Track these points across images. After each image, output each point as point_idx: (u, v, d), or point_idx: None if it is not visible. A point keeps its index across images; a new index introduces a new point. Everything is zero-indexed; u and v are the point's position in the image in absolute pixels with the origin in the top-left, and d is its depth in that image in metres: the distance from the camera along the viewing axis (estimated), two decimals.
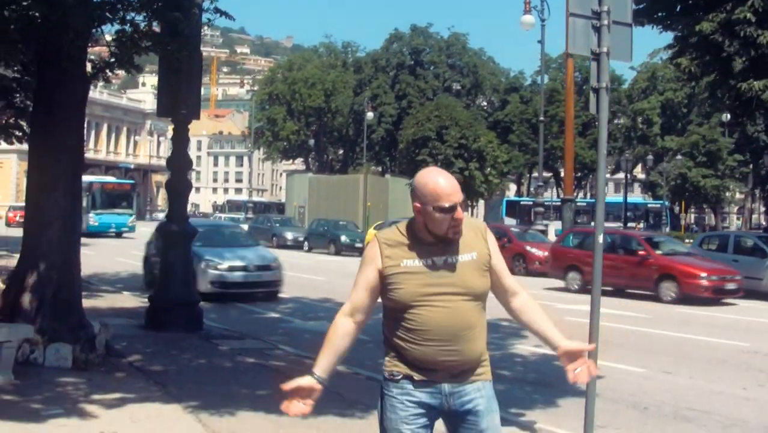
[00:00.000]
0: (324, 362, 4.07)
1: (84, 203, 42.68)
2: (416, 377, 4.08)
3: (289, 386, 3.97)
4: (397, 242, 4.11)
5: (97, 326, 11.60)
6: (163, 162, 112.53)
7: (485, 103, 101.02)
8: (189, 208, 70.27)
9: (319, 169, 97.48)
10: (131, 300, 18.83)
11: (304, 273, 27.03)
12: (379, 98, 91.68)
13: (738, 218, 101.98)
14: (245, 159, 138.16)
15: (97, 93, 79.95)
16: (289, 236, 49.32)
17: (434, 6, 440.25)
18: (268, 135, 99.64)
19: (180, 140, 14.70)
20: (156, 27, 12.46)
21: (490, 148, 61.60)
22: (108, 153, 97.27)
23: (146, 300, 16.29)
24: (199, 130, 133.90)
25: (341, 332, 4.12)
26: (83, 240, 13.38)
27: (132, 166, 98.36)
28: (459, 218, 4.00)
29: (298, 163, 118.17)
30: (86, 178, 41.70)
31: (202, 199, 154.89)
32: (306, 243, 46.59)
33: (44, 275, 11.25)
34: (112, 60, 11.62)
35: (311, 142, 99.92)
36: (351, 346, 4.17)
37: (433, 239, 4.06)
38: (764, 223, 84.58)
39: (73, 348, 10.75)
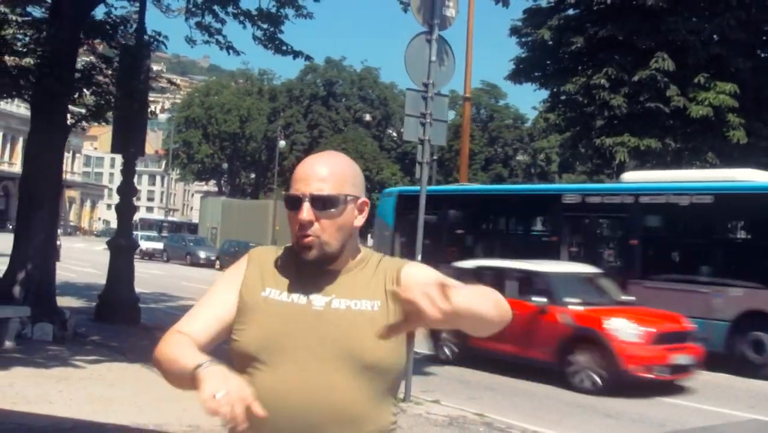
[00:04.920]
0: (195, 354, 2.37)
1: None
2: None
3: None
4: (274, 260, 2.61)
5: (68, 313, 15.54)
6: (77, 177, 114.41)
7: (395, 134, 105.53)
8: (101, 225, 72.62)
9: (231, 191, 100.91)
10: (74, 301, 22.45)
11: None
12: (291, 127, 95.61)
13: None
14: (158, 178, 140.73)
15: (14, 107, 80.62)
16: (202, 254, 52.86)
17: (349, 39, 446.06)
18: (183, 157, 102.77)
19: (128, 172, 18.57)
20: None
21: (394, 181, 66.13)
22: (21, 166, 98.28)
23: (86, 301, 20.25)
24: None
25: (186, 342, 2.46)
26: None
27: None
28: (300, 222, 2.45)
29: (211, 185, 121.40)
30: None
31: (114, 217, 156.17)
32: (218, 262, 49.97)
33: (30, 273, 15.12)
34: (88, 115, 15.65)
35: (225, 165, 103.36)
36: None
37: (309, 263, 2.50)
38: None
39: (52, 328, 14.60)
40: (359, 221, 2.56)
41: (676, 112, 28.67)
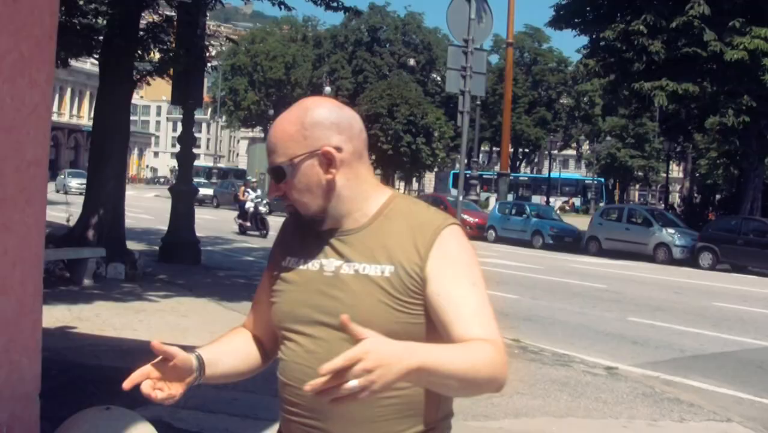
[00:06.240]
0: (210, 346, 2.48)
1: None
2: None
3: (158, 347, 2.24)
4: (297, 223, 2.42)
5: (137, 254, 16.87)
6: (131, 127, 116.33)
7: (439, 79, 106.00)
8: (148, 173, 72.55)
9: None
10: (136, 245, 23.84)
11: (271, 230, 32.34)
12: (336, 73, 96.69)
13: (678, 196, 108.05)
14: (203, 125, 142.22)
15: (80, 63, 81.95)
16: None
17: None
18: (230, 104, 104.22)
19: (188, 123, 19.77)
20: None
21: (438, 125, 67.03)
22: (89, 119, 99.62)
23: (146, 244, 21.72)
24: (159, 95, 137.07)
25: (237, 330, 2.64)
26: None
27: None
28: (271, 197, 1.98)
29: (256, 131, 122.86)
30: None
31: (161, 164, 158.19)
32: (268, 206, 51.27)
33: (102, 217, 16.46)
34: (153, 70, 16.92)
35: (271, 112, 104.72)
36: (252, 354, 2.55)
37: (334, 223, 2.35)
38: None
39: (124, 267, 15.94)
40: (330, 173, 2.28)
41: (713, 56, 29.43)
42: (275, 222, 20.85)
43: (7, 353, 4.83)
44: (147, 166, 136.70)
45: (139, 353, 8.09)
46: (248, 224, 32.19)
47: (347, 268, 2.27)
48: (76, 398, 6.80)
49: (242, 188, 34.69)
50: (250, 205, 32.29)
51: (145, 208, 43.29)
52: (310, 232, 2.35)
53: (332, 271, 2.29)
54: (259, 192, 34.26)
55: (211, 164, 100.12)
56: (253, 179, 40.18)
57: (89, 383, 7.73)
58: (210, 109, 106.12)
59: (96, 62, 17.11)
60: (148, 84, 17.54)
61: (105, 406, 4.58)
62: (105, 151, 16.58)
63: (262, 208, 32.55)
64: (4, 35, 4.66)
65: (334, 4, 18.67)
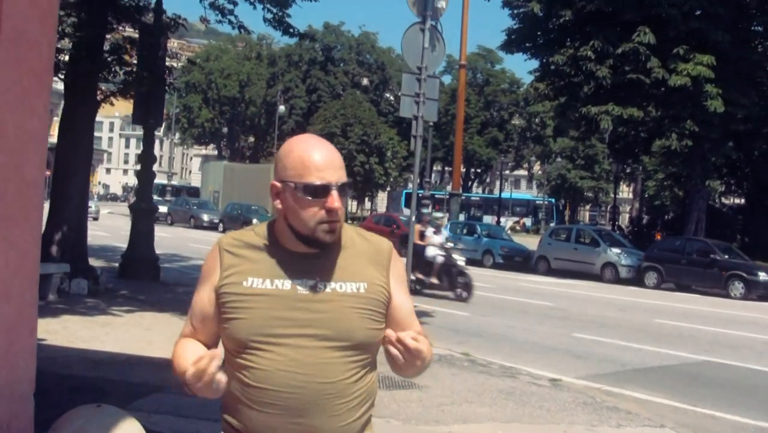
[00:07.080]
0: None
1: None
2: None
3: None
4: (248, 248, 2.73)
5: (99, 270, 17.31)
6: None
7: (392, 98, 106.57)
8: (100, 189, 71.03)
9: (230, 155, 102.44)
10: (95, 261, 24.14)
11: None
12: (290, 91, 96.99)
13: (628, 217, 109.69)
14: (156, 142, 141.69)
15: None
16: (206, 217, 54.21)
17: (347, 4, 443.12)
18: (184, 121, 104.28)
19: (148, 141, 20.26)
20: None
21: (391, 145, 67.73)
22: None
23: (105, 261, 22.09)
24: (112, 111, 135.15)
25: (185, 340, 2.81)
26: None
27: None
28: (334, 209, 2.58)
29: (210, 149, 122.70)
30: None
31: (113, 181, 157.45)
32: (221, 224, 51.49)
33: (66, 234, 16.87)
34: (116, 91, 17.41)
35: (224, 130, 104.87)
36: None
37: (301, 248, 2.68)
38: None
39: (87, 283, 16.37)
40: None
41: (657, 82, 30.40)
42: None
43: (8, 356, 5.34)
44: (99, 183, 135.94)
45: (109, 363, 8.69)
46: (434, 280, 21.93)
47: (323, 286, 2.65)
48: (56, 403, 7.30)
49: (417, 227, 21.51)
50: (436, 254, 21.93)
51: (101, 226, 43.48)
52: (271, 254, 2.69)
53: (306, 291, 2.64)
54: (446, 233, 25.27)
55: (164, 181, 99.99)
56: (438, 215, 31.59)
57: (66, 391, 8.20)
58: (163, 126, 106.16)
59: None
60: (112, 104, 18.01)
61: (96, 404, 5.08)
62: (69, 170, 17.00)
63: (459, 258, 22.27)
64: (10, 70, 5.20)
65: (291, 30, 19.29)
